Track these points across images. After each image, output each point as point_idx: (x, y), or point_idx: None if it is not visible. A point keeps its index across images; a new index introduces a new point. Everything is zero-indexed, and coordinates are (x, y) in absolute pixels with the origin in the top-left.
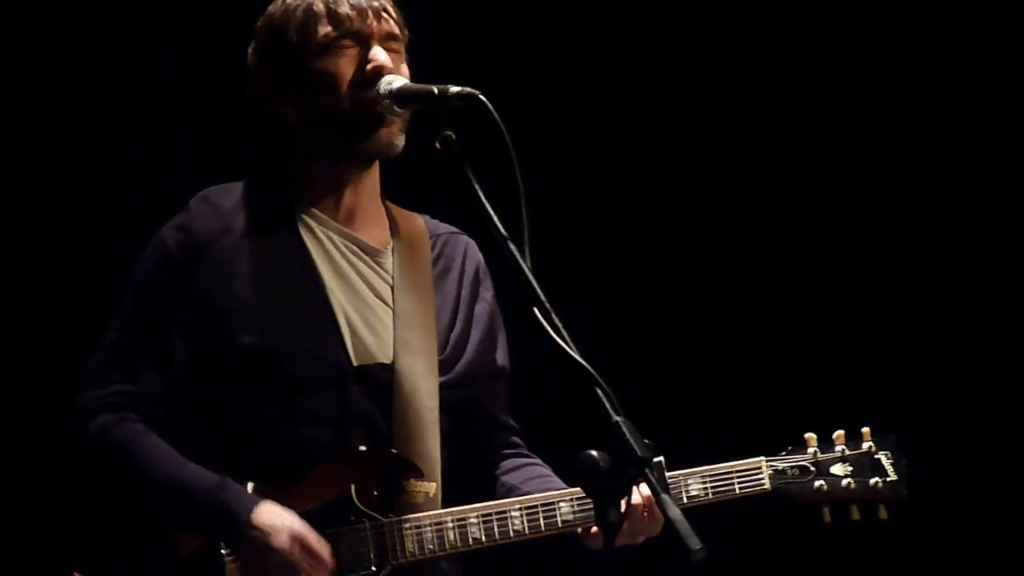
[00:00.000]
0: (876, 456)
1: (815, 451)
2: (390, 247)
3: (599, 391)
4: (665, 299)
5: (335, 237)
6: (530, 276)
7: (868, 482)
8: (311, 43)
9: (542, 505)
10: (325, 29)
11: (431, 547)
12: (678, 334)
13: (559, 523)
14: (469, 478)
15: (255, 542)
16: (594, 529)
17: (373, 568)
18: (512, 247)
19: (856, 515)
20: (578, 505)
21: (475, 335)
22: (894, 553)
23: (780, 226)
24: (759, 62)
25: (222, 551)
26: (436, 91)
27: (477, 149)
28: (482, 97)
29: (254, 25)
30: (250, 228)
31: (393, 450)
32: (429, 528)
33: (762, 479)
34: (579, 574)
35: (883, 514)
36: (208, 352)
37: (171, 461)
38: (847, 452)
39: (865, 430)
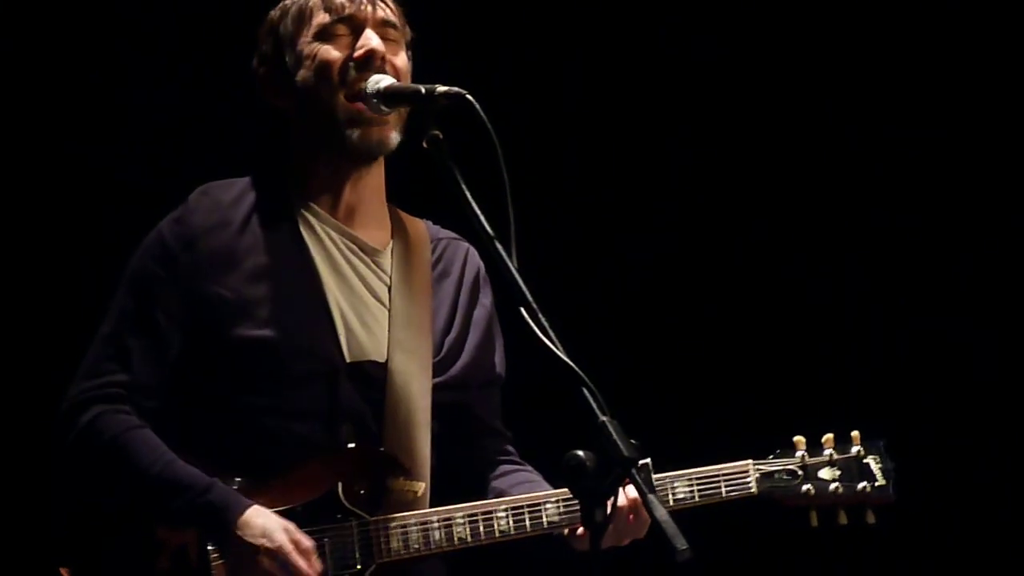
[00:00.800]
0: (864, 460)
1: (803, 455)
2: (389, 248)
3: (585, 391)
4: (653, 301)
5: (334, 235)
6: (516, 276)
7: (856, 487)
8: (306, 32)
9: (528, 505)
10: (319, 17)
11: (416, 546)
12: (666, 336)
13: (545, 524)
14: (461, 483)
15: (243, 544)
16: (580, 530)
17: (358, 567)
18: (499, 246)
19: (844, 519)
20: (564, 506)
21: (472, 339)
22: (883, 557)
23: (771, 226)
24: (755, 60)
25: (209, 547)
26: (423, 90)
27: (466, 148)
28: (469, 97)
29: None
30: (249, 223)
31: (381, 448)
32: (415, 527)
33: (749, 483)
34: (564, 575)
35: (871, 519)
36: (203, 344)
37: (162, 456)
38: (835, 456)
39: (855, 434)
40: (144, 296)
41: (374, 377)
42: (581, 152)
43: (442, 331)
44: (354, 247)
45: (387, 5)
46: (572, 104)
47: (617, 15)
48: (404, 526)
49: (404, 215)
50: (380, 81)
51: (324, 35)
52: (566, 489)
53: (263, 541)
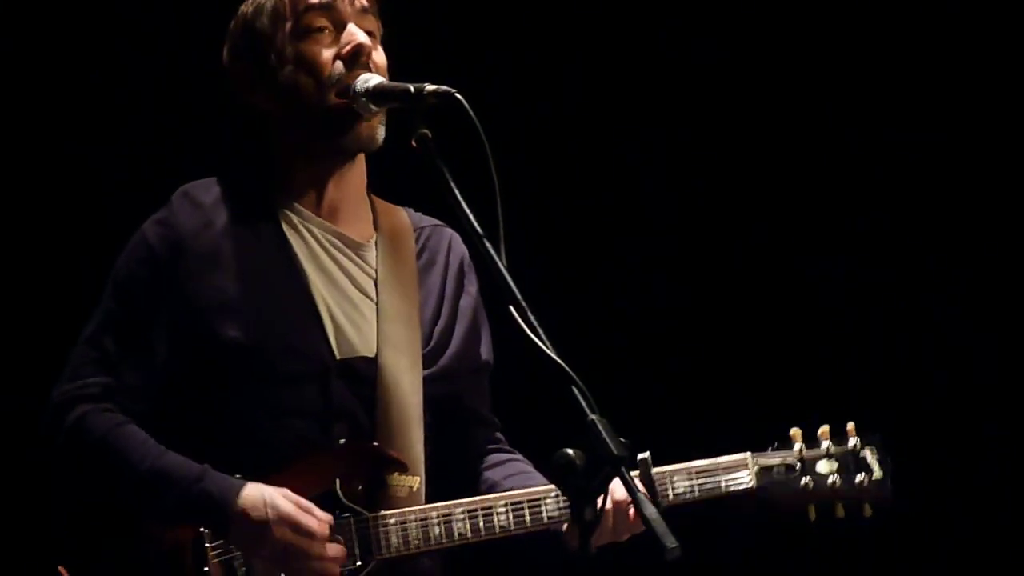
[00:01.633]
0: (861, 454)
1: (800, 447)
2: (373, 241)
3: (575, 389)
4: (647, 294)
5: (317, 232)
6: (506, 274)
7: (854, 480)
8: (284, 30)
9: (528, 501)
10: (297, 13)
11: (416, 542)
12: (660, 329)
13: (545, 519)
14: (451, 473)
15: (250, 524)
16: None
17: (358, 563)
18: (488, 245)
19: (841, 513)
20: (564, 501)
21: (460, 328)
22: (881, 551)
23: (771, 225)
24: (755, 62)
25: (206, 544)
26: (412, 89)
27: (455, 147)
28: (458, 95)
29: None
30: (231, 223)
31: (375, 444)
32: (414, 523)
33: (749, 476)
34: (559, 572)
35: (868, 512)
36: (190, 347)
37: (151, 450)
38: (832, 449)
39: (850, 426)
40: (129, 299)
41: (365, 373)
42: (575, 150)
43: (430, 321)
44: (338, 243)
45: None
46: (570, 104)
47: (617, 16)
48: (403, 522)
49: (385, 205)
50: (369, 80)
51: (305, 31)
52: None
53: (268, 512)
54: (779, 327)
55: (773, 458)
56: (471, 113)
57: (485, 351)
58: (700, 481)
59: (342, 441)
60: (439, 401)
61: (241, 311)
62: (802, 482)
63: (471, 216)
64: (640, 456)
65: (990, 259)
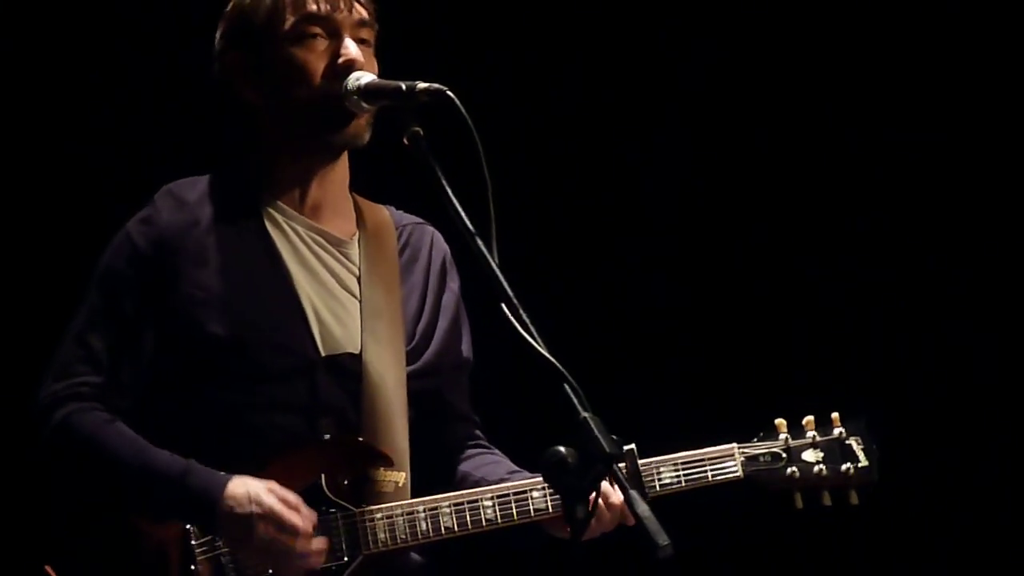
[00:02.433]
0: (847, 441)
1: (786, 437)
2: (356, 238)
3: (567, 387)
4: (647, 294)
5: (300, 229)
6: (497, 272)
7: (839, 468)
8: (281, 30)
9: (514, 494)
10: (295, 16)
11: (403, 536)
12: (660, 329)
13: (531, 512)
14: (430, 468)
15: (235, 519)
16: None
17: (345, 558)
18: (479, 243)
19: (828, 501)
20: (550, 494)
21: (442, 324)
22: (882, 551)
23: (765, 220)
24: (755, 62)
25: (192, 542)
26: (404, 87)
27: (447, 145)
28: (450, 93)
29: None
30: (216, 221)
31: (360, 439)
32: (401, 517)
33: (735, 466)
34: (544, 566)
35: (854, 499)
36: (176, 344)
37: (138, 448)
38: (818, 438)
39: (834, 415)
40: (114, 297)
41: (350, 369)
42: (575, 150)
43: (413, 318)
44: (321, 240)
45: (361, 4)
46: (570, 104)
47: (618, 16)
48: (390, 517)
49: (366, 203)
50: (361, 78)
51: (300, 36)
52: None
53: (253, 507)
54: (779, 327)
55: (759, 448)
56: (463, 111)
57: (466, 348)
58: (686, 472)
59: (327, 436)
60: (421, 397)
61: (226, 308)
62: (788, 471)
63: (463, 214)
64: (626, 447)
65: (990, 259)
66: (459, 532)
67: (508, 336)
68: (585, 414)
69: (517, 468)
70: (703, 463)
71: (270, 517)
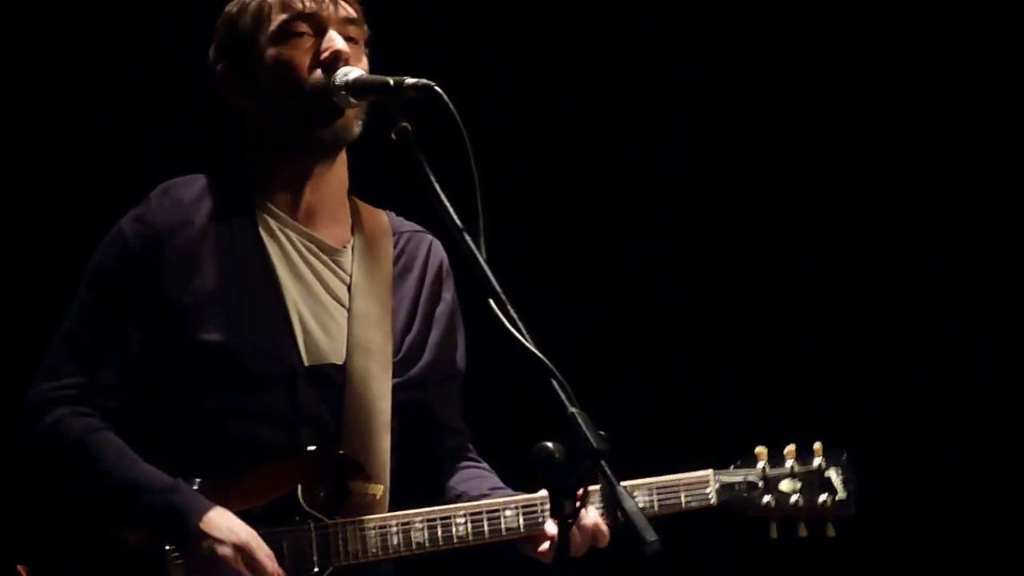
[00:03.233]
0: (826, 473)
1: (764, 466)
2: (350, 245)
3: (554, 382)
4: (648, 293)
5: (293, 236)
6: (485, 267)
7: (816, 500)
8: (266, 31)
9: (487, 511)
10: (280, 16)
11: (374, 550)
12: (661, 329)
13: (503, 530)
14: (418, 481)
15: (201, 548)
16: (542, 547)
17: (316, 569)
18: (467, 238)
19: (803, 532)
20: (524, 512)
21: (434, 336)
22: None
23: (766, 220)
24: (755, 63)
25: (167, 547)
26: (391, 82)
27: (436, 140)
28: (437, 88)
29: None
30: (209, 223)
31: (340, 451)
32: (373, 531)
33: (709, 493)
34: None
35: (831, 532)
36: (163, 345)
37: (125, 458)
38: (796, 469)
39: (817, 445)
40: (105, 295)
41: (333, 380)
42: (576, 149)
43: (402, 330)
44: (313, 248)
45: (348, 3)
46: (571, 103)
47: (618, 15)
48: (362, 530)
49: (366, 208)
50: (348, 73)
51: (286, 35)
52: (524, 496)
53: (229, 535)
54: (779, 326)
55: (735, 475)
56: (450, 106)
57: (459, 359)
58: (660, 497)
59: (310, 448)
60: (409, 409)
61: (213, 312)
62: (764, 500)
63: (451, 209)
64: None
65: (990, 259)
66: (430, 548)
67: (497, 332)
68: (573, 409)
69: (501, 485)
70: (678, 488)
71: (243, 550)
